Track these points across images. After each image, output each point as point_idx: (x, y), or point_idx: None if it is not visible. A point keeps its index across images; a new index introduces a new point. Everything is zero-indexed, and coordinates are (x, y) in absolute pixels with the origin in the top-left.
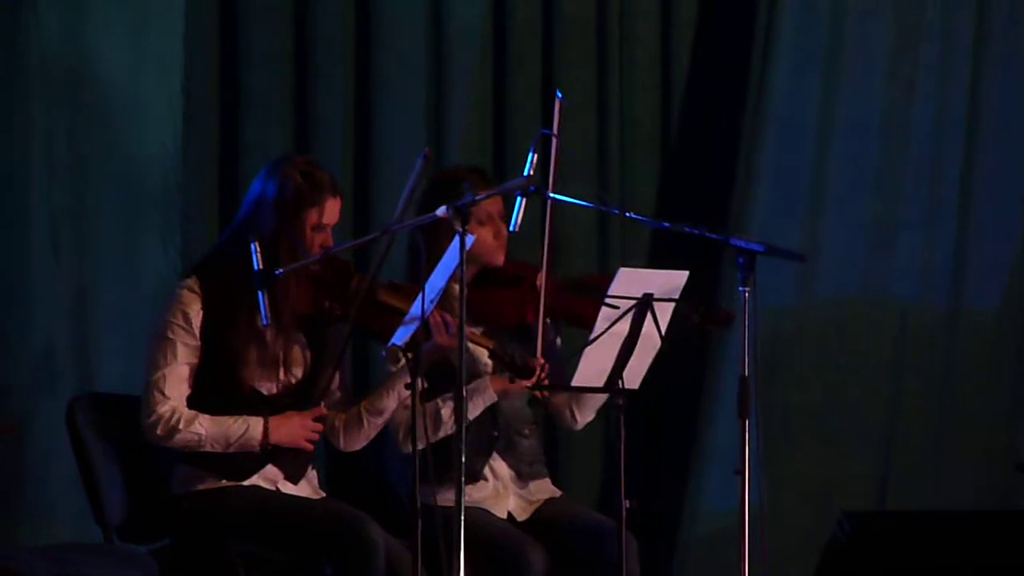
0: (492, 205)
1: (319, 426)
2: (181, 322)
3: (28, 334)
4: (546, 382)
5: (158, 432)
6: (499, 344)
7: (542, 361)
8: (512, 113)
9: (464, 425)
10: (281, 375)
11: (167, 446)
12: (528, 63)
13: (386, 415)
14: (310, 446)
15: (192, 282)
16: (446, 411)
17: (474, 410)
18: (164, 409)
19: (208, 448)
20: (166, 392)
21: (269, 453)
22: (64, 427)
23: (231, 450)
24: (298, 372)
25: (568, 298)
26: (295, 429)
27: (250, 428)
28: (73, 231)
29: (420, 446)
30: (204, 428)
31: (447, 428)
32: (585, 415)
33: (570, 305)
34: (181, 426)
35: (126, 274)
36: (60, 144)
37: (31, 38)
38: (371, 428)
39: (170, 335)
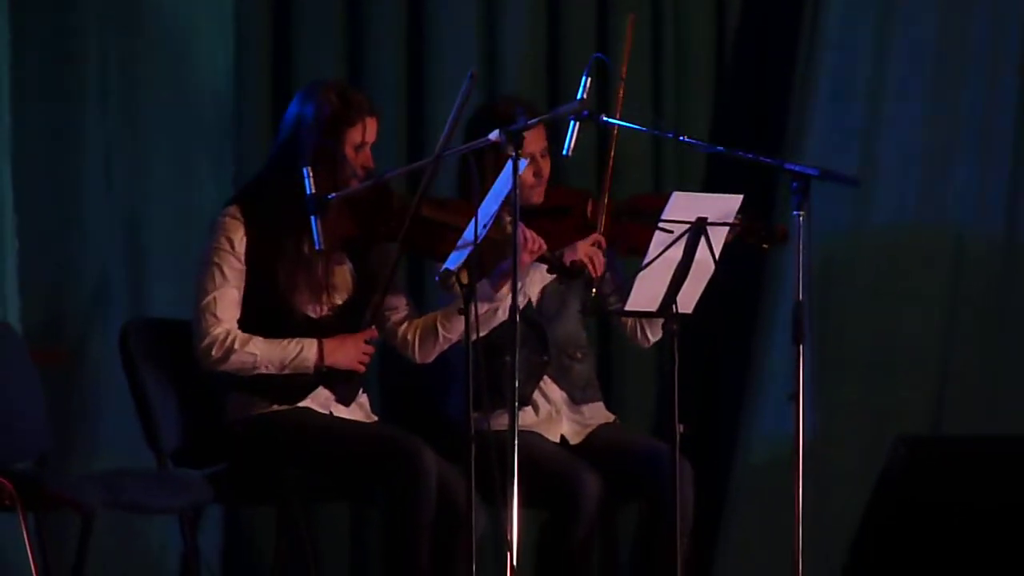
0: (533, 143)
1: (371, 348)
2: (227, 247)
3: (81, 261)
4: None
5: (213, 355)
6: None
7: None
8: (566, 38)
9: (517, 349)
10: (326, 299)
11: (222, 369)
12: None
13: (457, 335)
14: (362, 368)
15: (234, 209)
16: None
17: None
18: (218, 331)
19: (263, 370)
20: (218, 314)
21: (324, 375)
22: (117, 353)
23: (286, 371)
24: (344, 295)
25: (622, 227)
26: (349, 350)
27: (304, 349)
28: (126, 158)
29: (436, 353)
30: (259, 349)
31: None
32: (656, 332)
33: (624, 235)
34: (236, 346)
35: (179, 201)
36: (112, 71)
37: None
38: (445, 342)
39: (217, 260)
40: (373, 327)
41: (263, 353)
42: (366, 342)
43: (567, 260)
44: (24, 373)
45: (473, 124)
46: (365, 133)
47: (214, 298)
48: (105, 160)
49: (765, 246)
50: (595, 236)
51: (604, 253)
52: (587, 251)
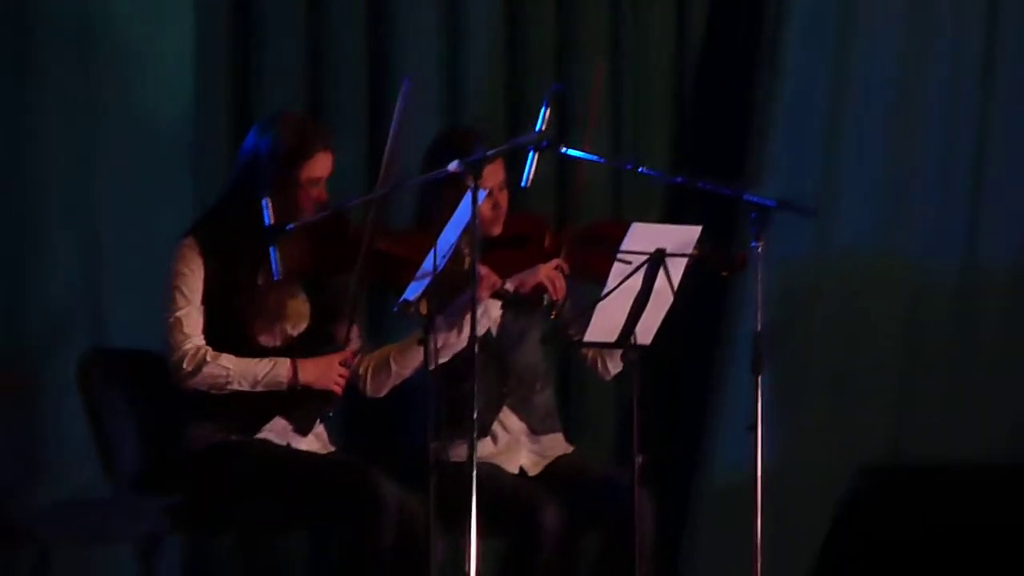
0: (491, 177)
1: (345, 370)
2: (186, 272)
3: (40, 291)
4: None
5: (185, 368)
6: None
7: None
8: (524, 67)
9: (477, 383)
10: (280, 329)
11: (193, 384)
12: (543, 14)
13: (411, 369)
14: (338, 388)
15: (191, 240)
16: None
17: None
18: (188, 346)
19: (236, 386)
20: (186, 331)
21: (284, 402)
22: (75, 383)
23: (258, 388)
24: (300, 325)
25: (581, 254)
26: (324, 369)
27: (276, 366)
28: (84, 185)
29: (388, 388)
30: (231, 363)
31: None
32: (616, 364)
33: (583, 262)
34: (208, 359)
35: (137, 228)
36: (70, 97)
37: None
38: (397, 377)
39: (177, 283)
40: (348, 350)
41: (235, 368)
42: (341, 363)
43: (528, 283)
44: None
45: (432, 154)
46: (320, 167)
47: (179, 317)
48: (62, 187)
49: (724, 273)
50: (557, 260)
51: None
52: (549, 274)
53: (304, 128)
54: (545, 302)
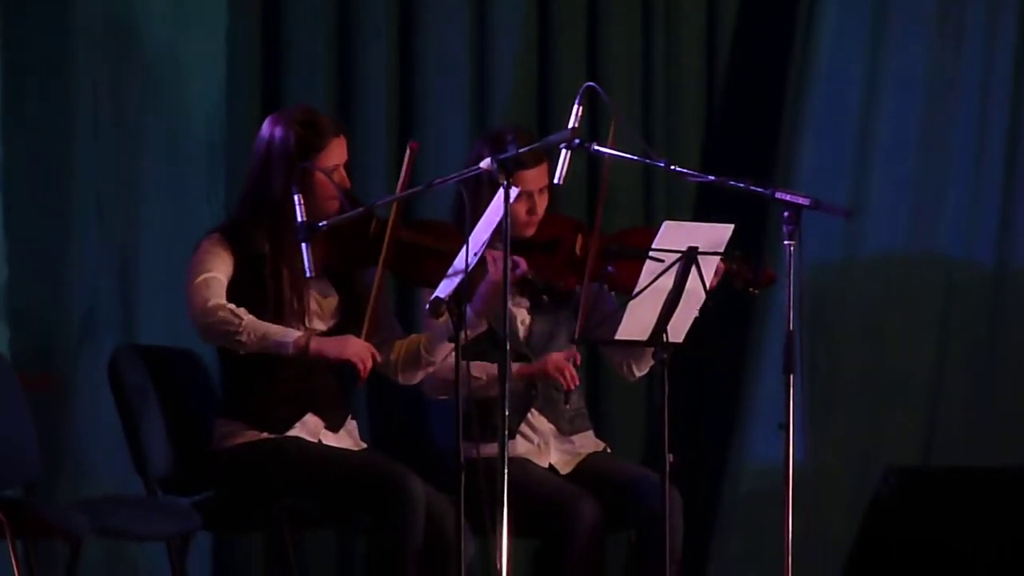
0: (532, 181)
1: (372, 348)
2: (214, 254)
3: (71, 288)
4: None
5: (205, 304)
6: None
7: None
8: (557, 67)
9: (507, 381)
10: (309, 325)
11: (207, 327)
12: (573, 19)
13: (443, 355)
14: (361, 364)
15: (217, 236)
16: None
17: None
18: (210, 295)
19: (244, 338)
20: (211, 288)
21: (311, 399)
22: (107, 382)
23: (266, 345)
24: (328, 322)
25: (612, 267)
26: (343, 343)
27: (289, 332)
28: (117, 185)
29: (444, 396)
30: (246, 316)
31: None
32: (642, 367)
33: (614, 275)
34: (226, 303)
35: (170, 229)
36: (104, 100)
37: None
38: (427, 366)
39: (206, 259)
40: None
41: (249, 320)
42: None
43: (539, 369)
44: (13, 401)
45: (472, 153)
46: (334, 155)
47: (206, 279)
48: (96, 187)
49: (753, 290)
50: (570, 352)
51: (577, 368)
52: (559, 364)
53: (313, 119)
54: (574, 297)
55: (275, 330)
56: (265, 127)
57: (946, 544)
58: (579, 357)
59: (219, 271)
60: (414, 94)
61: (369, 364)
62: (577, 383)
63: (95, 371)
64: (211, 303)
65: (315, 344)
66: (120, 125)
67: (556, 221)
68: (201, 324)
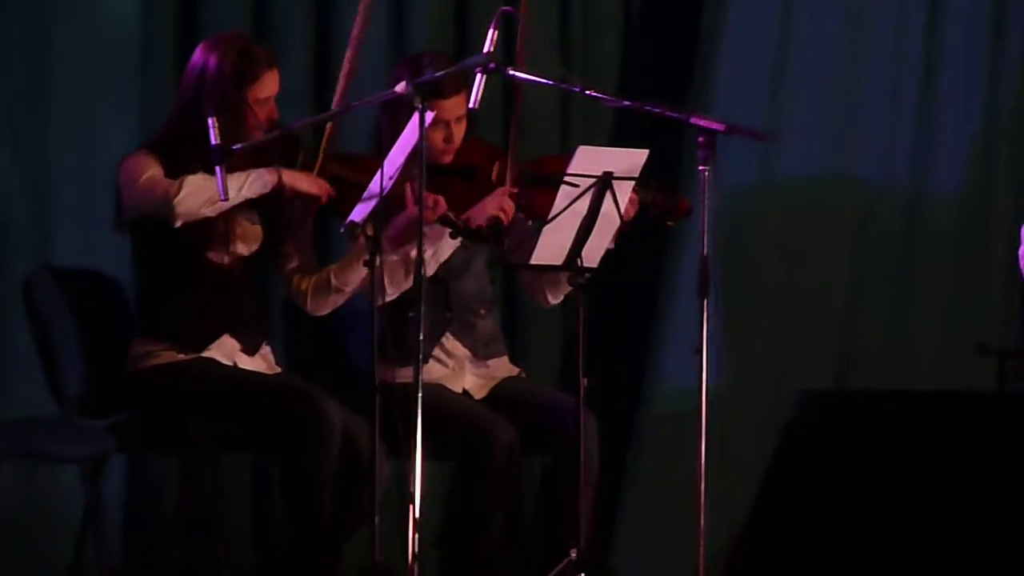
0: (449, 110)
1: (331, 190)
2: (146, 166)
3: None
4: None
5: (167, 193)
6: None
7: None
8: None
9: (422, 304)
10: (232, 249)
11: (184, 209)
12: None
13: (352, 287)
14: (324, 197)
15: (144, 151)
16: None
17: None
18: (165, 185)
19: (224, 194)
20: (159, 182)
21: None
22: (20, 305)
23: (243, 193)
24: (252, 245)
25: (528, 193)
26: (310, 176)
27: (261, 171)
28: (28, 107)
29: (330, 307)
30: (205, 176)
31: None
32: (557, 294)
33: (530, 201)
34: (181, 179)
35: (83, 150)
36: (14, 23)
37: None
38: (338, 296)
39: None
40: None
41: (211, 178)
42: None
43: (480, 217)
44: None
45: (391, 78)
46: (267, 87)
47: (148, 177)
48: (7, 109)
49: (669, 223)
50: (507, 187)
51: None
52: (500, 203)
53: (249, 49)
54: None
55: (245, 176)
56: (198, 53)
57: (860, 467)
58: (515, 193)
59: (154, 172)
60: (331, 19)
61: (327, 192)
62: (512, 213)
63: (8, 294)
64: (172, 187)
65: (288, 179)
66: (31, 47)
67: (474, 147)
68: (181, 211)
